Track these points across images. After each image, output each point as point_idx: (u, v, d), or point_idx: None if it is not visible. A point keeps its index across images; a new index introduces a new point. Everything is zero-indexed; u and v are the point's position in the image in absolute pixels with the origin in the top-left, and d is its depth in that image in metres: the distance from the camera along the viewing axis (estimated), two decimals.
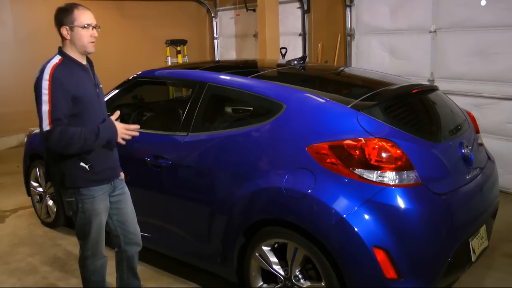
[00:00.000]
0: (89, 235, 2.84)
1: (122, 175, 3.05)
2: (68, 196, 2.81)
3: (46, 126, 2.55)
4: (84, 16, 2.70)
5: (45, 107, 2.54)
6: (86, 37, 2.70)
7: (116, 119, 2.80)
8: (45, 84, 2.56)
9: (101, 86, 2.91)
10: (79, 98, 2.66)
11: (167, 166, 3.37)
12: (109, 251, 3.06)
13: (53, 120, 2.54)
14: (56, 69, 2.62)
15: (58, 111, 2.56)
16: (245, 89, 3.24)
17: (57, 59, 2.69)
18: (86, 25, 2.69)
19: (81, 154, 2.71)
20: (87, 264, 2.91)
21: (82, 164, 2.72)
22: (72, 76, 2.67)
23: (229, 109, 3.52)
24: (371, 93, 3.10)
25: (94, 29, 2.73)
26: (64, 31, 2.69)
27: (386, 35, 6.60)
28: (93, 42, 2.74)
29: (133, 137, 2.84)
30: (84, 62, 2.79)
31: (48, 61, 2.67)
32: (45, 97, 2.55)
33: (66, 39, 2.71)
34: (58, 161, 2.74)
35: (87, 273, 2.94)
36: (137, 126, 2.82)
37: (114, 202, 2.95)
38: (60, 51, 2.74)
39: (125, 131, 2.75)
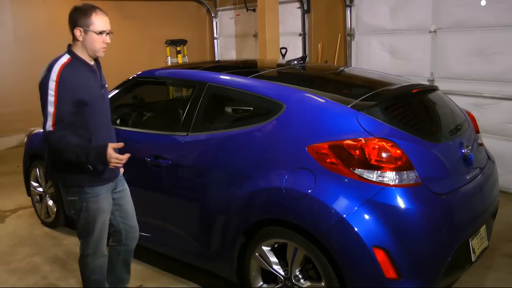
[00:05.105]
0: (92, 234, 2.85)
1: (122, 170, 3.06)
2: (71, 195, 2.81)
3: (49, 127, 2.58)
4: (100, 22, 2.66)
5: (51, 109, 2.56)
6: (99, 43, 2.68)
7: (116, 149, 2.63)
8: (52, 85, 2.56)
9: (106, 86, 2.90)
10: (85, 100, 2.65)
11: (167, 166, 3.37)
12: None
13: (56, 122, 2.57)
14: (63, 69, 2.59)
15: (62, 113, 2.57)
16: (245, 89, 3.23)
17: (65, 58, 2.66)
18: (101, 32, 2.66)
19: None
20: (88, 263, 2.91)
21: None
22: (79, 77, 2.65)
23: (229, 109, 3.52)
24: (371, 93, 3.10)
25: (108, 35, 2.71)
26: (78, 32, 2.65)
27: (386, 35, 6.59)
28: (104, 48, 2.72)
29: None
30: (92, 62, 2.77)
31: (56, 60, 2.64)
32: (51, 98, 2.55)
33: (78, 40, 2.67)
34: (62, 160, 2.69)
35: (87, 272, 2.94)
36: (127, 155, 2.65)
37: (116, 199, 2.98)
38: (69, 50, 2.71)
39: (116, 160, 2.57)
